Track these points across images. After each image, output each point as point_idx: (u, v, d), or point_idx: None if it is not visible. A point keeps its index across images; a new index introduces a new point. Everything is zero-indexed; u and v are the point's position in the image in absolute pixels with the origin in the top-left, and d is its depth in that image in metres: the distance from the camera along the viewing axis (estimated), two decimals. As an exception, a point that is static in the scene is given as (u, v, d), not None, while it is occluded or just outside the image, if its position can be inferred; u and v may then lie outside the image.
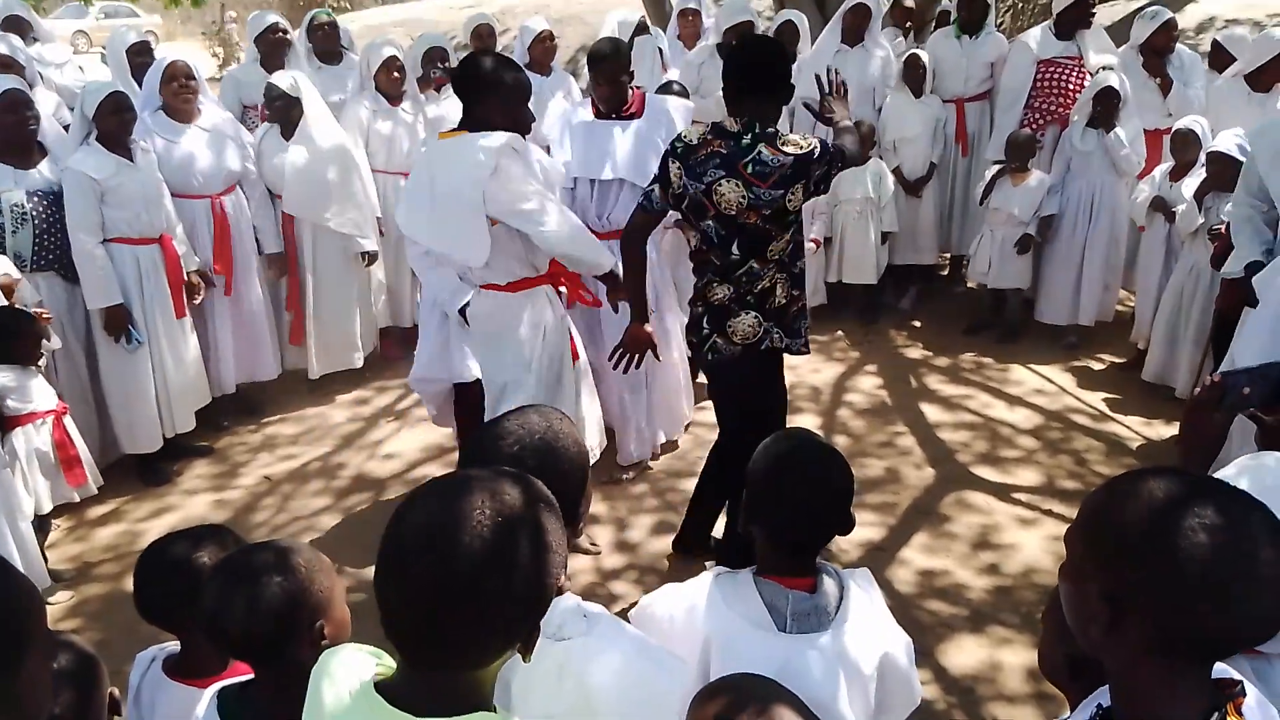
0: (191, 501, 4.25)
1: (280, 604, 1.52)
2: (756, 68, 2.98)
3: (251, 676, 1.62)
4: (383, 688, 1.13)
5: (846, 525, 1.76)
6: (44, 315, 3.68)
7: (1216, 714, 1.08)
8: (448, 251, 3.26)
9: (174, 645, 1.90)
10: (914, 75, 5.75)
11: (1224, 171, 4.46)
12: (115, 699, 1.65)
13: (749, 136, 2.92)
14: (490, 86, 3.04)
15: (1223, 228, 4.37)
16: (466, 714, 1.08)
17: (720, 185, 2.93)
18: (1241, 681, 1.13)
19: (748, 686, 1.31)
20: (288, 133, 4.75)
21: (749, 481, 1.78)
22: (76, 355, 4.15)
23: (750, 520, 1.76)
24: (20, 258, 3.88)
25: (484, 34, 5.77)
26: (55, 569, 3.69)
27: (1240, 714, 1.09)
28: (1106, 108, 5.16)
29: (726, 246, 3.05)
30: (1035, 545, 3.78)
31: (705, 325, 3.19)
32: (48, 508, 3.61)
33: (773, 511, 1.73)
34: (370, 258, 5.03)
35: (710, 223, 3.04)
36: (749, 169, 2.90)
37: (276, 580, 1.54)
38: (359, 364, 5.20)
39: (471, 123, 3.06)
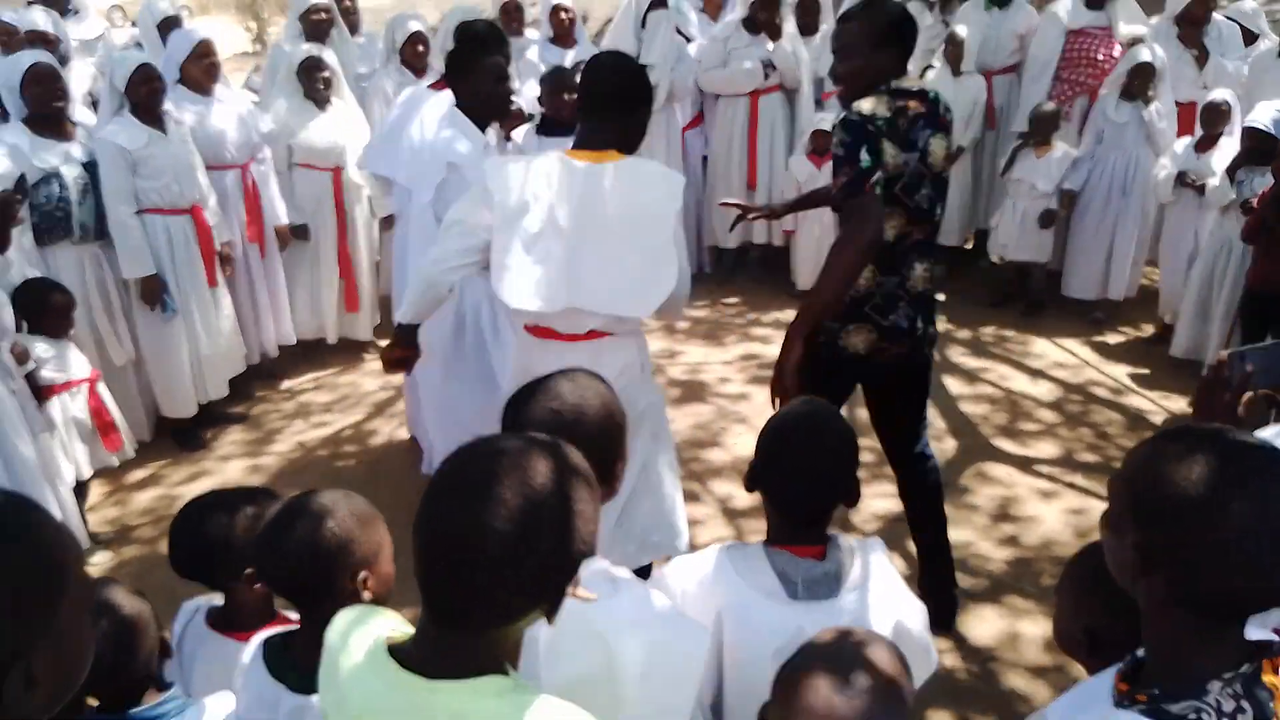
0: (226, 467, 4.34)
1: (327, 546, 1.56)
2: (910, 29, 2.79)
3: (295, 628, 1.66)
4: (395, 650, 1.14)
5: (851, 494, 1.76)
6: None
7: (1248, 666, 1.08)
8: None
9: (218, 598, 1.95)
10: (954, 52, 5.66)
11: (1258, 146, 4.41)
12: (166, 643, 1.70)
13: (932, 91, 2.81)
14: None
15: (1255, 200, 4.34)
16: (477, 676, 1.09)
17: (931, 144, 2.73)
18: (1278, 642, 1.14)
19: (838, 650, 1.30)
20: (320, 105, 4.82)
21: (756, 448, 1.79)
22: (122, 322, 4.23)
23: (755, 487, 1.77)
24: (86, 228, 3.96)
25: (511, 9, 5.76)
26: (95, 532, 3.80)
27: (1277, 674, 1.10)
28: (1142, 82, 5.09)
29: (934, 210, 2.81)
30: (1055, 518, 3.79)
31: (919, 321, 2.86)
32: (87, 473, 3.69)
33: (775, 477, 1.74)
34: (389, 222, 4.96)
35: (925, 191, 2.75)
36: (947, 116, 2.80)
37: (328, 524, 1.57)
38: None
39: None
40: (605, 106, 2.55)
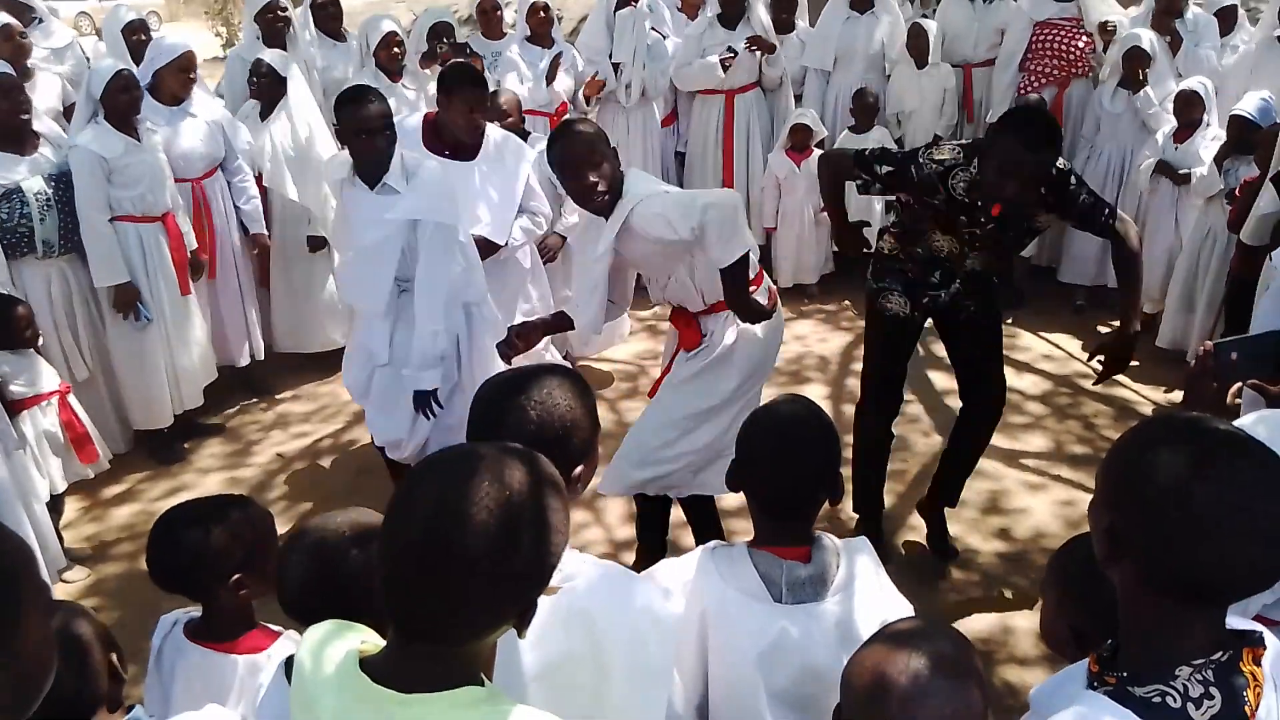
0: (205, 480, 4.28)
1: (344, 570, 1.58)
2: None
3: None
4: (367, 664, 1.12)
5: (834, 493, 1.74)
6: None
7: (1222, 654, 1.08)
8: None
9: (196, 610, 1.93)
10: (917, 45, 5.68)
11: (1244, 135, 4.42)
12: (116, 668, 1.61)
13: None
14: None
15: (1238, 189, 4.35)
16: (452, 689, 1.07)
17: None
18: (1262, 632, 1.14)
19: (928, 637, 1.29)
20: (266, 112, 4.72)
21: (736, 445, 1.78)
22: (100, 334, 4.17)
23: (737, 486, 1.77)
24: (49, 244, 3.89)
25: (487, 8, 5.71)
26: (71, 548, 3.73)
27: (1259, 664, 1.10)
28: (1138, 68, 5.09)
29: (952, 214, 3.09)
30: (1044, 510, 3.79)
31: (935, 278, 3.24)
32: (62, 487, 3.63)
33: (755, 475, 1.74)
34: (315, 244, 4.78)
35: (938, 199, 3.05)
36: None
37: (353, 552, 1.59)
38: (316, 348, 5.05)
39: None
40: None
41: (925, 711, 1.20)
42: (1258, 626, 1.16)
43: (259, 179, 4.72)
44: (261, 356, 4.94)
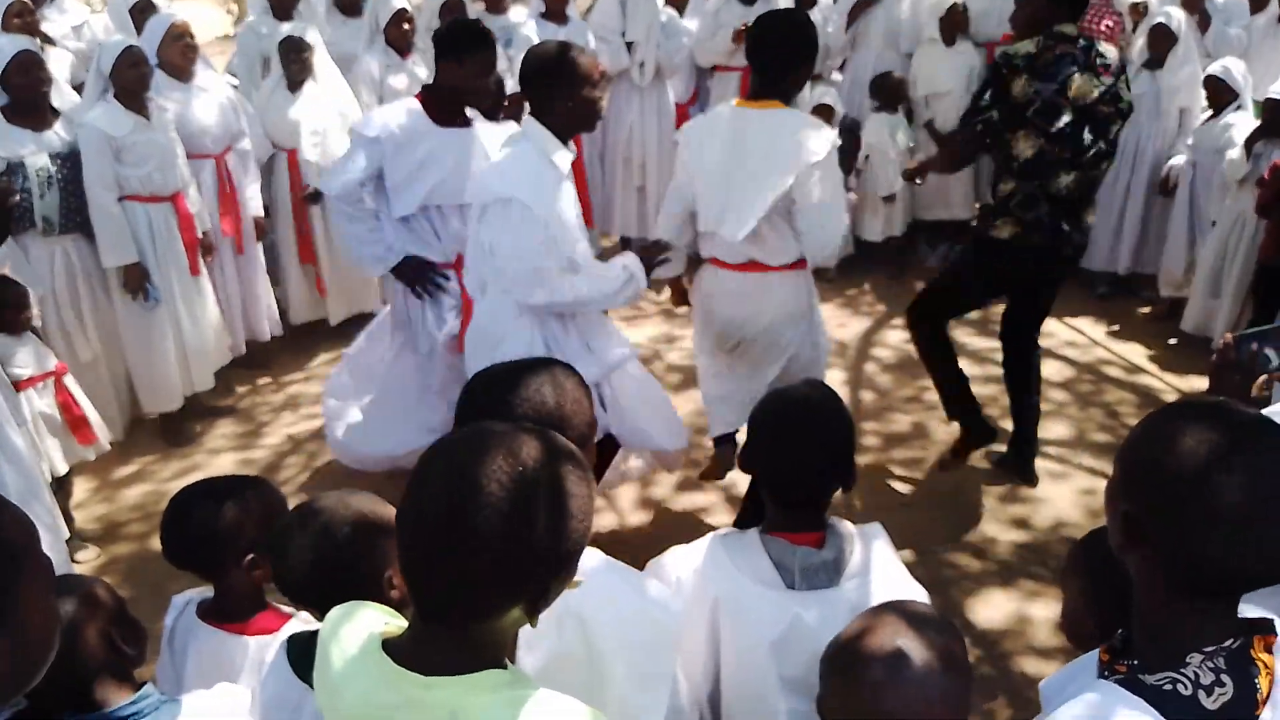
0: (216, 461, 4.26)
1: (343, 553, 1.54)
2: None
3: (319, 627, 1.62)
4: (390, 646, 1.11)
5: (846, 479, 1.72)
6: None
7: (1233, 641, 1.07)
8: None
9: (208, 591, 1.93)
10: (952, 23, 5.55)
11: (1277, 118, 4.33)
12: (119, 641, 1.54)
13: (1083, 40, 3.37)
14: None
15: (1266, 173, 4.26)
16: (475, 672, 1.06)
17: (1073, 79, 3.26)
18: (1274, 620, 1.12)
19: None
20: (294, 86, 4.72)
21: (749, 427, 1.76)
22: (105, 315, 4.14)
23: (750, 468, 1.75)
24: (49, 221, 3.86)
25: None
26: (80, 529, 3.71)
27: (1270, 652, 1.09)
28: (1161, 48, 4.99)
29: (1081, 138, 3.28)
30: (1065, 499, 3.73)
31: (1063, 223, 3.37)
32: (63, 469, 3.58)
33: (766, 462, 1.71)
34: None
35: (1066, 119, 3.27)
36: (1100, 62, 3.32)
37: (343, 530, 1.56)
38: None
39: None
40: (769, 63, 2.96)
41: (896, 696, 1.20)
42: (1269, 614, 1.14)
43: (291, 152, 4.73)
44: (280, 332, 4.97)
